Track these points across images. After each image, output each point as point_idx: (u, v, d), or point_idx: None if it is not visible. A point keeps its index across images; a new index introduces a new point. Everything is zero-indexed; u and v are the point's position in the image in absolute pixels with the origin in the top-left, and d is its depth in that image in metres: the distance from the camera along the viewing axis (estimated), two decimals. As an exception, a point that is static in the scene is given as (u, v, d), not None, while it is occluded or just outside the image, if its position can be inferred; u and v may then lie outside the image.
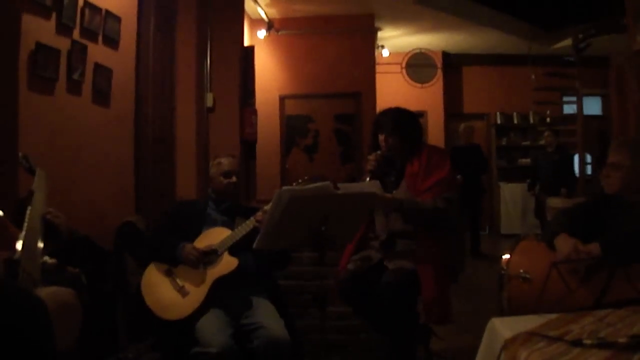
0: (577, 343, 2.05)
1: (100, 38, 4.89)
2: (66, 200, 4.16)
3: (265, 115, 9.71)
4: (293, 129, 10.72)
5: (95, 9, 4.78)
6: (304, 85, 10.56)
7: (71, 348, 2.19)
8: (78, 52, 4.54)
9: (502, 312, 3.06)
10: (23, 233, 2.49)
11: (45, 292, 1.73)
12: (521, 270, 3.03)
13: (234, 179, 4.13)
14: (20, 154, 3.09)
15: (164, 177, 6.52)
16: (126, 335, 4.17)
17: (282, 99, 10.66)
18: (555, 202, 8.73)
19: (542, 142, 10.87)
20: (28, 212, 2.62)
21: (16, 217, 2.66)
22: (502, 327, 2.37)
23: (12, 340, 1.53)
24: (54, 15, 4.26)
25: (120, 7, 5.21)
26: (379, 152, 4.07)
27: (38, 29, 4.08)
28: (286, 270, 4.45)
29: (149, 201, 5.90)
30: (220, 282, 3.74)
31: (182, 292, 3.73)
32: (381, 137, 4.07)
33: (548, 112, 12.52)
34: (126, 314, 4.22)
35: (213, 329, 3.52)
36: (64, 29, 4.37)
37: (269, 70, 10.36)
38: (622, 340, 2.01)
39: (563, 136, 10.77)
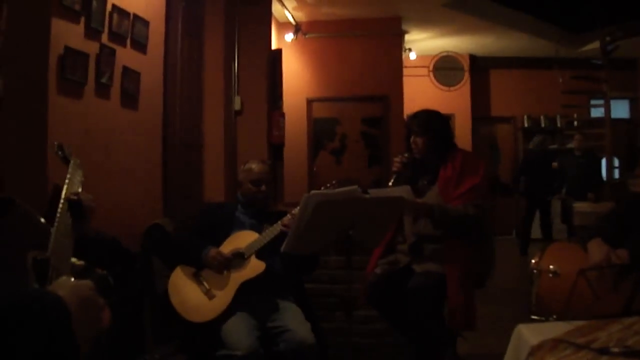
0: (603, 351, 2.03)
1: (128, 42, 4.91)
2: (95, 202, 4.18)
3: (293, 118, 9.73)
4: (320, 132, 10.75)
5: (124, 13, 4.80)
6: (332, 88, 10.58)
7: (93, 340, 2.17)
8: (106, 56, 4.56)
9: (530, 309, 3.07)
10: (54, 229, 2.47)
11: (64, 288, 1.72)
12: (551, 267, 3.04)
13: (263, 187, 4.08)
14: (55, 143, 3.01)
15: (192, 181, 6.55)
16: (153, 337, 4.19)
17: (310, 102, 10.69)
18: (582, 207, 8.66)
19: (570, 145, 10.78)
20: (60, 207, 2.56)
21: (48, 212, 2.63)
22: (529, 334, 2.36)
23: (32, 347, 1.53)
24: (82, 19, 4.28)
25: (148, 11, 5.24)
26: (405, 154, 4.07)
27: (67, 33, 4.11)
28: (314, 274, 4.46)
29: (177, 204, 5.92)
30: (247, 286, 3.75)
31: (209, 295, 3.73)
32: (412, 139, 4.07)
33: (575, 115, 12.44)
34: (153, 316, 4.23)
35: (239, 332, 3.52)
36: (92, 33, 4.39)
37: (297, 74, 10.39)
38: (650, 348, 1.99)
39: (590, 140, 10.69)
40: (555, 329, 2.34)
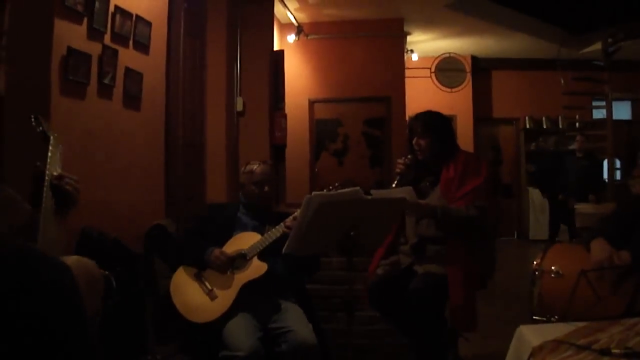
0: (605, 352, 2.03)
1: (131, 43, 4.92)
2: (97, 203, 4.20)
3: (295, 119, 9.74)
4: (322, 133, 10.75)
5: (126, 14, 4.82)
6: (334, 89, 10.59)
7: (93, 318, 2.15)
8: (109, 57, 4.58)
9: (532, 309, 3.07)
10: (41, 217, 2.42)
11: (70, 260, 1.72)
12: (553, 267, 3.05)
13: (266, 189, 4.08)
14: (32, 116, 2.84)
15: (194, 181, 6.56)
16: (155, 338, 4.20)
17: (312, 103, 10.70)
18: (584, 208, 8.65)
19: (573, 146, 10.77)
20: (44, 190, 2.49)
21: (33, 194, 2.56)
22: (530, 335, 2.36)
23: (42, 306, 1.54)
24: (85, 20, 4.30)
25: (151, 12, 5.25)
26: (409, 156, 4.08)
27: (70, 34, 4.12)
28: (316, 275, 4.46)
29: (179, 205, 5.94)
30: (249, 287, 3.74)
31: (211, 295, 3.73)
32: (414, 141, 4.07)
33: (577, 116, 12.44)
34: (155, 316, 4.24)
35: (241, 333, 3.51)
36: (95, 33, 4.41)
37: (299, 75, 10.40)
38: (651, 349, 1.99)
39: (592, 141, 10.69)
40: (557, 330, 2.34)
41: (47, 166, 2.60)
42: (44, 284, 1.57)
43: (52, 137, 2.76)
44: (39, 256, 1.78)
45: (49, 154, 2.67)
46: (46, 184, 2.54)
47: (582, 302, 2.70)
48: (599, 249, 2.99)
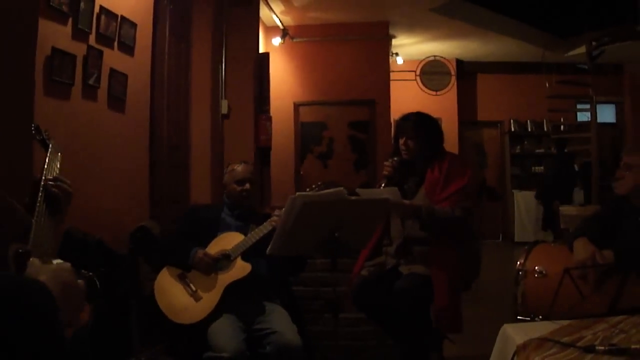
0: (589, 349, 2.04)
1: (115, 44, 4.91)
2: (80, 204, 4.17)
3: (280, 122, 9.75)
4: (307, 136, 10.75)
5: (111, 15, 4.80)
6: (319, 92, 10.60)
7: (76, 325, 2.16)
8: (94, 58, 4.56)
9: (515, 309, 3.08)
10: (34, 220, 2.46)
11: (45, 273, 1.73)
12: (537, 267, 3.06)
13: (247, 186, 4.11)
14: (32, 125, 2.95)
15: (179, 183, 6.54)
16: (139, 339, 4.18)
17: (297, 106, 10.70)
18: (568, 210, 8.71)
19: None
20: (39, 197, 2.54)
21: (29, 203, 2.60)
22: (515, 333, 2.37)
23: (19, 333, 1.53)
24: (70, 20, 4.27)
25: (136, 14, 5.23)
26: (395, 158, 4.08)
27: (54, 34, 4.10)
28: (301, 276, 4.46)
29: (164, 207, 5.92)
30: (233, 288, 3.74)
31: (195, 296, 3.73)
32: (401, 141, 4.07)
33: (562, 119, 12.51)
34: (140, 318, 4.22)
35: (225, 334, 3.51)
36: (80, 34, 4.39)
37: (284, 78, 10.41)
38: (635, 346, 2.00)
39: (577, 144, 10.76)
40: (541, 328, 2.35)
41: (44, 172, 2.66)
42: (22, 309, 1.56)
43: (50, 145, 2.83)
44: (17, 282, 1.78)
45: (47, 160, 2.73)
46: (41, 187, 2.58)
47: (566, 301, 2.71)
48: (582, 248, 3.01)
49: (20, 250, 2.24)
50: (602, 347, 2.02)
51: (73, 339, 2.13)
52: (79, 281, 1.91)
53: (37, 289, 1.60)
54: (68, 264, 1.96)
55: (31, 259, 2.22)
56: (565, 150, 11.28)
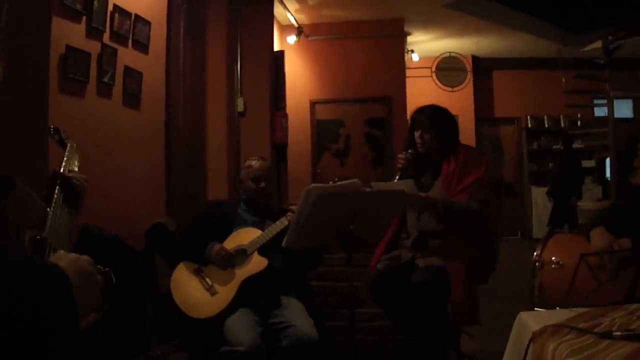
0: (606, 335, 2.01)
1: (130, 42, 4.93)
2: (96, 201, 4.20)
3: (296, 120, 9.76)
4: (324, 133, 10.75)
5: (125, 14, 4.82)
6: (335, 90, 10.59)
7: (92, 315, 2.18)
8: (108, 56, 4.58)
9: (533, 300, 3.06)
10: (51, 209, 2.49)
11: (64, 261, 1.74)
12: (554, 258, 3.04)
13: (262, 184, 4.11)
14: (51, 127, 2.99)
15: (195, 181, 6.56)
16: (155, 334, 4.19)
17: (313, 104, 10.70)
18: (587, 205, 8.67)
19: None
20: (57, 189, 2.58)
21: (46, 196, 2.65)
22: (531, 320, 2.34)
23: (36, 316, 1.54)
24: (84, 19, 4.31)
25: (150, 12, 5.26)
26: (410, 151, 4.05)
27: (69, 33, 4.13)
28: (317, 271, 4.44)
29: (180, 204, 5.94)
30: (250, 282, 3.75)
31: (211, 291, 3.73)
32: (417, 134, 4.04)
33: (579, 115, 12.42)
34: (156, 313, 4.23)
35: (242, 328, 3.51)
36: (94, 32, 4.42)
37: (300, 76, 10.41)
38: (652, 331, 1.98)
39: (594, 139, 10.69)
40: (558, 315, 2.32)
41: (62, 165, 2.71)
42: (40, 291, 1.56)
43: (68, 144, 2.88)
44: (34, 263, 1.79)
45: (65, 157, 2.79)
46: (59, 180, 2.62)
47: (583, 288, 2.68)
48: (599, 237, 2.98)
49: (38, 237, 2.27)
50: (619, 333, 2.00)
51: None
52: (98, 276, 1.91)
53: (55, 272, 1.61)
54: (87, 257, 1.97)
55: (62, 252, 2.25)
56: (573, 147, 11.23)
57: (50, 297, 1.54)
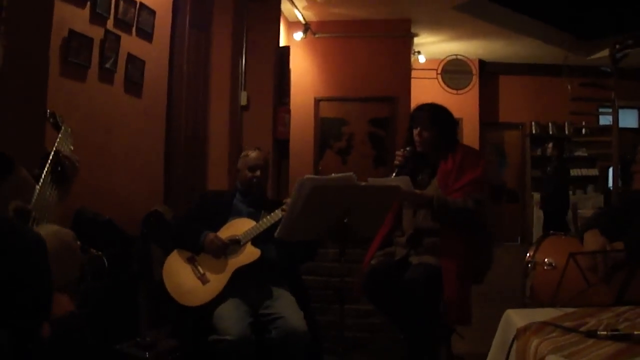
0: (591, 334, 2.01)
1: (133, 30, 4.93)
2: (93, 185, 4.21)
3: (300, 117, 9.78)
4: (327, 131, 10.75)
5: (130, 1, 4.83)
6: (340, 88, 10.58)
7: (68, 287, 2.19)
8: (111, 42, 4.59)
9: (523, 301, 3.05)
10: (39, 185, 2.52)
11: (46, 230, 1.76)
12: (546, 259, 3.03)
13: (257, 173, 4.11)
14: (48, 111, 3.05)
15: (195, 172, 6.56)
16: (147, 321, 4.19)
17: (317, 102, 10.69)
18: (587, 213, 8.65)
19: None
20: (47, 167, 2.63)
21: (39, 172, 2.68)
22: (517, 318, 2.34)
23: (8, 277, 1.55)
24: (88, 4, 4.32)
25: (155, 1, 5.26)
26: (407, 148, 4.05)
27: (72, 17, 4.14)
28: (311, 266, 4.44)
29: (179, 194, 5.94)
30: (242, 272, 3.75)
31: (203, 279, 3.74)
32: (415, 131, 4.04)
33: (584, 123, 12.40)
34: (148, 300, 4.24)
35: (231, 318, 3.52)
36: (98, 18, 4.42)
37: (305, 73, 10.40)
38: (638, 332, 1.97)
39: (598, 148, 10.67)
40: (545, 314, 2.32)
41: (55, 146, 2.77)
42: (14, 249, 1.58)
43: (63, 128, 2.96)
44: (11, 226, 1.80)
45: (58, 139, 2.85)
46: (50, 159, 2.68)
47: (573, 288, 2.67)
48: (593, 239, 2.97)
49: (21, 206, 2.29)
50: (605, 333, 1.99)
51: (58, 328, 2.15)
52: (78, 250, 1.93)
53: (31, 237, 1.62)
54: (69, 230, 1.99)
55: (45, 224, 2.27)
56: (564, 156, 11.22)
57: (24, 257, 1.55)
